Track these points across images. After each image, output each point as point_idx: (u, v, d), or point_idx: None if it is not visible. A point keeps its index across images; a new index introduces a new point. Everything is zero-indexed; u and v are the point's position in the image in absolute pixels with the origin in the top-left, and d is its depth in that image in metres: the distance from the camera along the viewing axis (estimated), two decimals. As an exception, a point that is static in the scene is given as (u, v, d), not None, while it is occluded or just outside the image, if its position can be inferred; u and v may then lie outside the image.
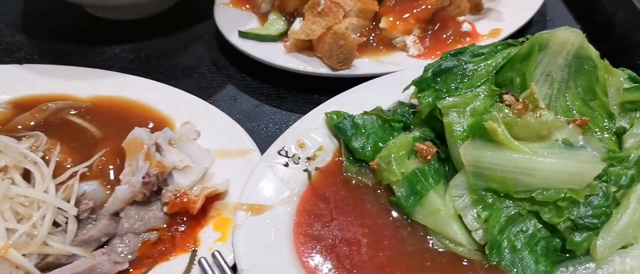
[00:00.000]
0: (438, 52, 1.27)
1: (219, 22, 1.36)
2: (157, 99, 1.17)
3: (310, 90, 1.30)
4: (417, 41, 1.30)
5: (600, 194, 0.88)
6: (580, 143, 0.91)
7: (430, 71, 1.05)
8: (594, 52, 0.99)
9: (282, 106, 1.28)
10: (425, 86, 1.04)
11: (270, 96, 1.30)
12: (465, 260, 0.92)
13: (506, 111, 0.93)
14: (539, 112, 0.92)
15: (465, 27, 1.33)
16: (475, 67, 1.03)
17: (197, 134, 1.10)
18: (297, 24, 1.30)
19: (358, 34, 1.29)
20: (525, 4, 1.44)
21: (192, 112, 1.14)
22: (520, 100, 0.95)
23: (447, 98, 0.98)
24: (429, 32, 1.34)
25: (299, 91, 1.31)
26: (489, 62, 1.03)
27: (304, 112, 1.18)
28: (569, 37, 0.99)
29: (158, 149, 1.04)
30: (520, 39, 1.06)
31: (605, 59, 1.00)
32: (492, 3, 1.49)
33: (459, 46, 1.28)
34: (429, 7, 1.32)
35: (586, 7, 1.54)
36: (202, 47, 1.45)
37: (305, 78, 1.27)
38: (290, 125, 1.11)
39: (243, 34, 1.31)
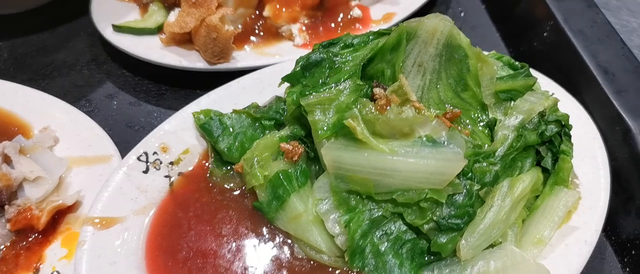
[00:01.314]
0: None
1: (95, 15, 1.29)
2: (17, 104, 1.10)
3: (192, 85, 1.24)
4: (304, 29, 1.24)
5: (463, 193, 0.85)
6: (444, 140, 0.87)
7: (299, 64, 1.00)
8: (464, 40, 0.95)
9: (161, 103, 1.22)
10: (295, 81, 0.99)
11: (149, 93, 1.24)
12: (329, 268, 0.88)
13: (370, 106, 0.89)
14: (403, 108, 0.88)
15: (356, 12, 1.28)
16: (344, 59, 0.98)
17: (55, 140, 1.04)
18: (173, 16, 1.24)
19: (240, 24, 1.23)
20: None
21: (52, 116, 1.07)
22: (385, 94, 0.90)
23: (311, 95, 0.93)
24: (317, 20, 1.28)
25: (181, 86, 1.25)
26: (357, 53, 0.98)
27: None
28: (438, 25, 0.95)
29: (7, 160, 0.98)
30: (393, 28, 1.02)
31: (477, 48, 0.96)
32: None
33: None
34: (314, -11, 1.26)
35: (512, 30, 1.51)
36: (82, 42, 1.37)
37: (186, 72, 1.21)
38: (167, 124, 1.06)
39: (117, 28, 1.24)
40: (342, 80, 0.95)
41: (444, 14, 1.44)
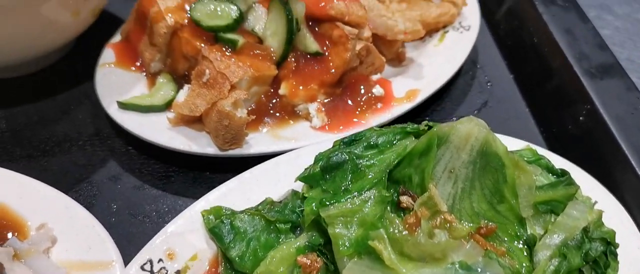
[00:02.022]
0: (341, 127, 1.15)
1: (99, 88, 1.22)
2: (12, 195, 1.03)
3: (201, 166, 1.17)
4: (322, 109, 1.17)
5: (501, 330, 0.77)
6: (480, 268, 0.79)
7: (319, 164, 0.92)
8: (501, 148, 0.87)
9: (168, 187, 1.15)
10: (314, 183, 0.92)
11: (155, 175, 1.17)
12: None
13: (397, 224, 0.81)
14: (434, 230, 0.81)
15: (377, 90, 1.20)
16: (369, 162, 0.91)
17: (52, 241, 0.97)
18: (183, 94, 1.17)
19: (253, 103, 1.16)
20: (451, 54, 1.32)
21: (50, 211, 1.00)
22: (414, 211, 0.83)
23: (332, 206, 0.86)
24: (336, 97, 1.20)
25: (189, 167, 1.18)
26: (383, 156, 0.91)
27: (194, 195, 1.09)
28: (472, 130, 0.88)
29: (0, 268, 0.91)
30: (422, 125, 0.95)
31: (515, 155, 0.89)
32: (415, 52, 1.38)
33: (369, 116, 1.17)
34: (334, 71, 1.18)
35: (520, 53, 1.43)
36: (84, 113, 1.30)
37: (195, 154, 1.14)
38: (177, 213, 0.98)
39: (123, 105, 1.17)
40: (366, 188, 0.87)
41: (470, 84, 1.40)
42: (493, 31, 1.55)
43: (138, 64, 1.31)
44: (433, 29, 1.42)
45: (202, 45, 1.18)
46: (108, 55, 1.31)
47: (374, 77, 1.26)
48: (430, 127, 0.94)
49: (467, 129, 0.87)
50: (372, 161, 0.91)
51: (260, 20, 1.23)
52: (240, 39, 1.16)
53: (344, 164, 0.91)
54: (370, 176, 0.89)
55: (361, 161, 0.91)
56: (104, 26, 1.40)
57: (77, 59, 1.41)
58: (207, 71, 1.11)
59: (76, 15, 1.24)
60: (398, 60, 1.37)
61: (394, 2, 1.48)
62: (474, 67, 1.44)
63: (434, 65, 1.31)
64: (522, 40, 1.44)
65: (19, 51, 1.23)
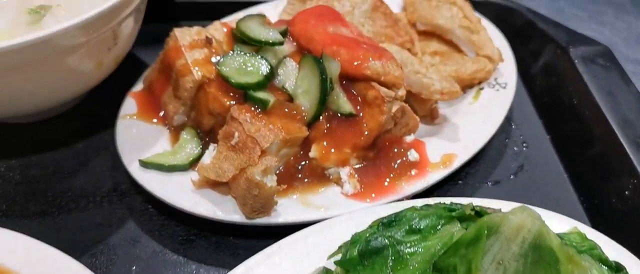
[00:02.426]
0: (374, 195, 1.09)
1: (119, 143, 1.17)
2: (25, 264, 0.96)
3: (225, 230, 1.12)
4: (354, 175, 1.12)
5: None
6: None
7: (357, 248, 0.87)
8: (555, 242, 0.82)
9: (189, 253, 1.09)
10: (351, 268, 0.86)
11: (175, 238, 1.11)
12: None
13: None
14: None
15: (412, 156, 1.15)
16: (411, 250, 0.85)
17: (68, 317, 0.90)
18: (209, 155, 1.11)
19: (281, 167, 1.10)
20: (487, 114, 1.27)
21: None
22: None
23: (373, 299, 0.80)
24: (369, 161, 1.15)
25: (211, 231, 1.13)
26: (428, 243, 0.85)
27: (217, 262, 1.06)
28: (525, 222, 0.82)
29: None
30: (468, 208, 0.89)
31: (569, 249, 0.83)
32: (449, 109, 1.32)
33: (404, 183, 1.11)
34: (367, 132, 1.13)
35: (558, 113, 1.38)
36: (102, 164, 1.25)
37: (219, 218, 1.09)
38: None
39: (144, 164, 1.12)
40: (411, 279, 0.82)
41: (504, 144, 1.34)
42: (528, 87, 1.50)
43: (161, 114, 1.26)
44: (467, 85, 1.37)
45: (231, 102, 1.13)
46: (129, 105, 1.26)
47: (408, 139, 1.21)
48: (477, 212, 0.89)
49: (519, 221, 0.82)
50: (415, 249, 0.85)
51: (291, 77, 1.18)
52: (271, 99, 1.11)
53: (384, 250, 0.86)
54: (413, 266, 0.84)
55: (403, 247, 0.86)
56: (124, 70, 1.35)
57: (95, 105, 1.37)
58: (236, 134, 1.06)
59: (100, 66, 1.19)
60: (431, 117, 1.31)
61: (427, 54, 1.43)
62: (509, 125, 1.39)
63: (470, 125, 1.26)
64: (560, 99, 1.39)
65: (38, 101, 1.18)
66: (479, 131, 1.24)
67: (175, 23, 1.61)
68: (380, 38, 1.38)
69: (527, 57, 1.52)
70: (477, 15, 1.49)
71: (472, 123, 1.27)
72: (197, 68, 1.17)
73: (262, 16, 1.28)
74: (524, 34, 1.56)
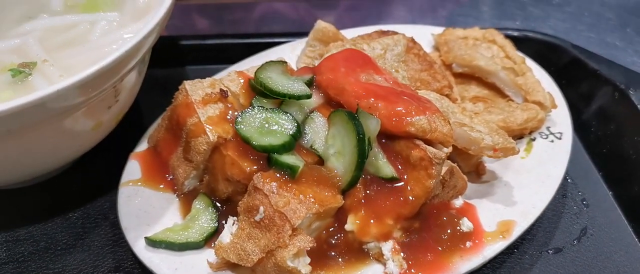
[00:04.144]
0: (426, 277, 0.94)
1: (122, 215, 1.03)
2: None
3: (248, 321, 0.96)
4: (399, 250, 0.97)
5: None
6: None
7: None
8: None
9: None
10: None
11: (190, 331, 0.95)
12: None
13: None
14: None
15: (466, 226, 1.00)
16: None
17: None
18: (228, 231, 0.96)
19: (313, 239, 0.95)
20: (544, 171, 1.13)
21: None
22: None
23: None
24: (414, 233, 1.00)
25: (232, 321, 0.96)
26: None
27: None
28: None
29: None
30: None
31: None
32: (497, 164, 1.18)
33: (457, 259, 0.96)
34: (413, 200, 0.98)
35: (620, 166, 1.23)
36: (101, 238, 1.11)
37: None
38: None
39: (152, 242, 0.97)
40: None
41: (562, 203, 1.19)
42: (581, 135, 1.35)
43: (168, 179, 1.11)
44: (517, 135, 1.23)
45: (253, 168, 0.98)
46: (133, 169, 1.11)
47: (456, 203, 1.06)
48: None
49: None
50: None
51: (320, 134, 1.04)
52: (301, 164, 0.96)
53: None
54: None
55: None
56: (123, 123, 1.19)
57: (91, 167, 1.22)
58: (261, 208, 0.91)
59: (98, 127, 1.05)
60: (477, 174, 1.17)
61: (467, 100, 1.29)
62: (564, 180, 1.23)
63: (525, 185, 1.12)
64: (621, 150, 1.25)
65: (26, 169, 1.04)
66: (537, 191, 1.10)
67: (181, 67, 1.48)
68: (415, 83, 1.24)
69: (577, 101, 1.38)
70: (520, 54, 1.35)
71: (528, 182, 1.12)
72: (211, 127, 1.02)
73: (282, 63, 1.14)
74: (572, 74, 1.42)
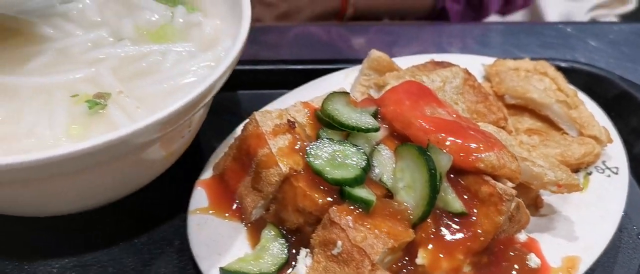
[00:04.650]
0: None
1: (194, 244, 1.05)
2: None
3: None
4: (468, 284, 0.98)
5: None
6: None
7: None
8: None
9: None
10: None
11: None
12: None
13: None
14: None
15: (534, 262, 1.02)
16: None
17: None
18: (302, 264, 0.99)
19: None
20: (603, 206, 1.15)
21: None
22: None
23: None
24: (483, 268, 1.01)
25: None
26: None
27: None
28: None
29: None
30: None
31: None
32: (554, 198, 1.19)
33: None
34: (481, 233, 1.00)
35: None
36: (169, 265, 1.12)
37: None
38: None
39: (226, 272, 0.99)
40: None
41: (619, 238, 1.20)
42: (633, 169, 1.36)
43: (233, 207, 1.13)
44: (573, 170, 1.24)
45: (325, 200, 1.01)
46: (200, 197, 1.13)
47: (520, 237, 1.08)
48: None
49: None
50: None
51: (388, 167, 1.06)
52: (374, 198, 0.98)
53: None
54: None
55: None
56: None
57: (153, 192, 1.23)
58: (339, 242, 0.93)
59: (170, 155, 1.07)
60: (535, 207, 1.18)
61: (521, 132, 1.31)
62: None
63: (586, 220, 1.13)
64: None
65: (100, 197, 1.06)
66: (597, 227, 1.12)
67: (233, 91, 1.50)
68: (472, 115, 1.26)
69: (627, 135, 1.39)
70: (571, 87, 1.37)
71: (587, 217, 1.14)
72: (283, 160, 1.04)
73: (346, 94, 1.16)
74: (620, 108, 1.44)
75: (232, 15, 1.16)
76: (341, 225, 0.95)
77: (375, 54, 1.36)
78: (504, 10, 2.57)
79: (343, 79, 1.42)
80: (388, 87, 1.22)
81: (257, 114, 1.10)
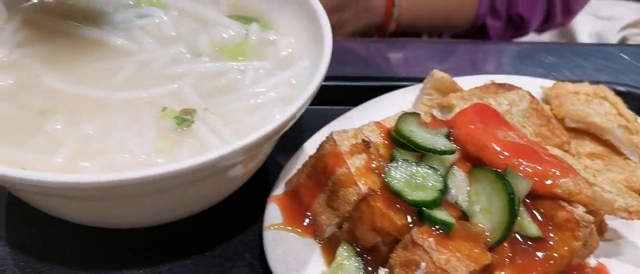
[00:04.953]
0: None
1: (272, 260, 1.07)
2: None
3: None
4: (545, 309, 1.00)
5: None
6: None
7: None
8: None
9: None
10: None
11: None
12: None
13: None
14: None
15: (606, 289, 1.03)
16: None
17: None
18: (382, 282, 1.00)
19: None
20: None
21: None
22: None
23: None
24: (558, 293, 1.03)
25: None
26: None
27: None
28: None
29: None
30: None
31: None
32: (617, 222, 1.21)
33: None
34: (557, 258, 1.02)
35: None
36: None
37: None
38: None
39: (306, 289, 1.00)
40: None
41: None
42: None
43: (304, 223, 1.15)
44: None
45: (404, 221, 1.02)
46: (273, 213, 1.15)
47: (591, 262, 1.09)
48: None
49: None
50: None
51: (462, 189, 1.08)
52: (453, 220, 1.00)
53: None
54: None
55: None
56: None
57: (225, 207, 1.24)
58: (423, 264, 0.95)
59: (247, 173, 1.10)
60: (600, 232, 1.20)
61: (583, 156, 1.32)
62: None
63: (648, 248, 1.15)
64: None
65: (179, 212, 1.08)
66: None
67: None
68: (536, 139, 1.27)
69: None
70: (630, 112, 1.39)
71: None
72: (361, 179, 1.06)
73: (417, 115, 1.18)
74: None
75: (307, 34, 1.18)
76: (425, 247, 0.97)
77: (438, 74, 1.38)
78: (543, 27, 2.58)
79: (403, 98, 1.44)
80: (457, 109, 1.23)
81: (335, 134, 1.12)
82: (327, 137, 1.14)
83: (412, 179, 1.06)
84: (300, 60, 1.17)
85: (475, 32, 2.45)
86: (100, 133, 1.00)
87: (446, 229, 1.00)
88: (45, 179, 0.81)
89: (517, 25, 2.41)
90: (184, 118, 1.02)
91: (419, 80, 1.46)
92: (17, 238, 1.18)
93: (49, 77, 1.08)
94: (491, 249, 1.03)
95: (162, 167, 0.84)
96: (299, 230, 1.15)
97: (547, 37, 3.13)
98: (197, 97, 1.07)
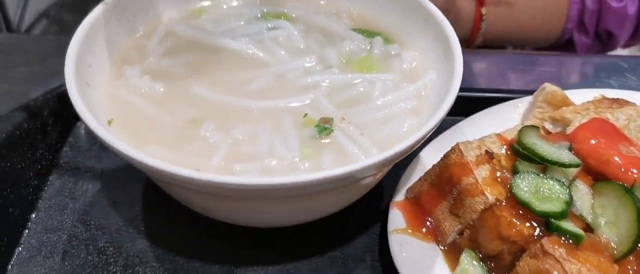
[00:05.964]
0: None
1: (399, 264, 1.12)
2: None
3: None
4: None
5: None
6: None
7: None
8: None
9: None
10: None
11: None
12: None
13: None
14: None
15: None
16: None
17: None
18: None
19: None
20: None
21: None
22: None
23: None
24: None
25: None
26: None
27: None
28: None
29: None
30: None
31: None
32: None
33: None
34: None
35: None
36: (364, 278, 1.20)
37: None
38: None
39: (437, 293, 1.06)
40: None
41: None
42: None
43: (423, 230, 1.20)
44: None
45: (531, 231, 1.06)
46: (396, 218, 1.21)
47: None
48: None
49: None
50: None
51: (586, 202, 1.11)
52: (583, 233, 1.04)
53: None
54: None
55: None
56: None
57: (347, 211, 1.31)
58: (555, 273, 0.99)
59: (375, 181, 1.16)
60: None
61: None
62: None
63: None
64: None
65: (310, 215, 1.15)
66: None
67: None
68: (647, 154, 1.29)
69: None
70: None
71: None
72: (488, 189, 1.11)
73: (536, 128, 1.22)
74: None
75: (433, 47, 1.23)
76: (556, 257, 1.00)
77: (550, 87, 1.41)
78: (630, 42, 2.54)
79: (513, 110, 1.48)
80: (575, 123, 1.27)
81: (461, 145, 1.17)
82: (452, 148, 1.19)
83: (538, 190, 1.10)
84: (427, 73, 1.22)
85: (560, 46, 2.44)
86: (248, 139, 1.08)
87: (576, 240, 1.03)
88: (214, 180, 0.89)
89: (604, 41, 2.38)
90: (325, 127, 1.09)
91: (526, 92, 1.50)
92: (156, 233, 1.27)
93: (196, 85, 1.17)
94: (616, 261, 1.06)
95: (323, 172, 0.90)
96: (420, 235, 1.20)
97: (628, 52, 3.07)
98: (333, 107, 1.14)
